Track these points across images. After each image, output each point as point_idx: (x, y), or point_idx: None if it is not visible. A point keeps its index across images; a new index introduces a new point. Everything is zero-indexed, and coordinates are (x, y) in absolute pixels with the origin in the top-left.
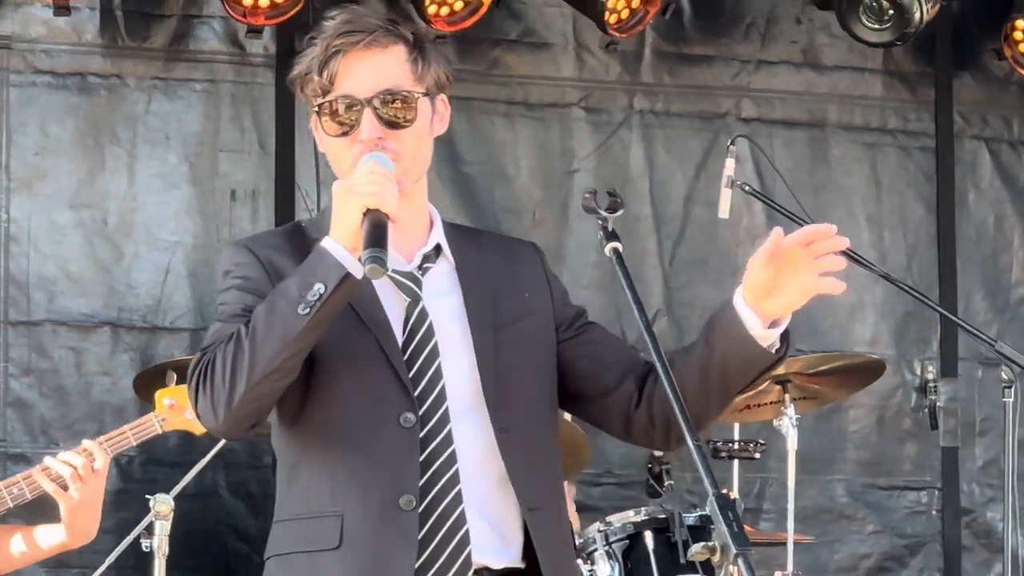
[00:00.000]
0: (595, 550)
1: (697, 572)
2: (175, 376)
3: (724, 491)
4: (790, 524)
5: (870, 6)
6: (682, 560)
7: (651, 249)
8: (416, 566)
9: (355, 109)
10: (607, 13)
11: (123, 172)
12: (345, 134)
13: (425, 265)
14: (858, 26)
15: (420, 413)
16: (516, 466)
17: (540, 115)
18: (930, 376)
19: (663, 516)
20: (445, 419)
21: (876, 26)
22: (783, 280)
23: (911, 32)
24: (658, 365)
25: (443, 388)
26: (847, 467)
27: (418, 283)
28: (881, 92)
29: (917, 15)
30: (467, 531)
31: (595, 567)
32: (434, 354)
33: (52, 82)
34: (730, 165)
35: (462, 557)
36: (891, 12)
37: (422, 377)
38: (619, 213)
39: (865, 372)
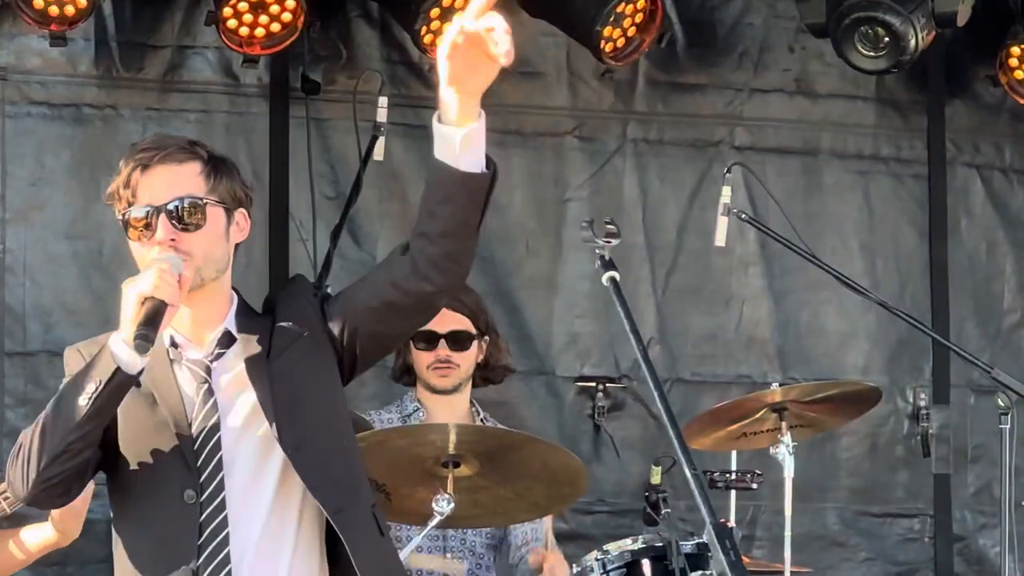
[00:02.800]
0: None
1: None
2: None
3: (722, 520)
4: (787, 553)
5: (866, 34)
6: None
7: (644, 277)
8: None
9: (151, 216)
10: (603, 42)
11: None
12: (145, 239)
13: (218, 351)
14: (853, 54)
15: (200, 486)
16: (313, 479)
17: (533, 144)
18: (922, 403)
19: (660, 544)
20: (220, 488)
21: (872, 54)
22: (473, 64)
23: (906, 60)
24: (656, 393)
25: (220, 459)
26: (840, 495)
27: (206, 368)
28: (874, 120)
29: (912, 43)
30: None
31: None
32: (215, 428)
33: (48, 113)
34: (726, 193)
35: None
36: (887, 40)
37: (203, 451)
38: (616, 242)
39: (861, 400)
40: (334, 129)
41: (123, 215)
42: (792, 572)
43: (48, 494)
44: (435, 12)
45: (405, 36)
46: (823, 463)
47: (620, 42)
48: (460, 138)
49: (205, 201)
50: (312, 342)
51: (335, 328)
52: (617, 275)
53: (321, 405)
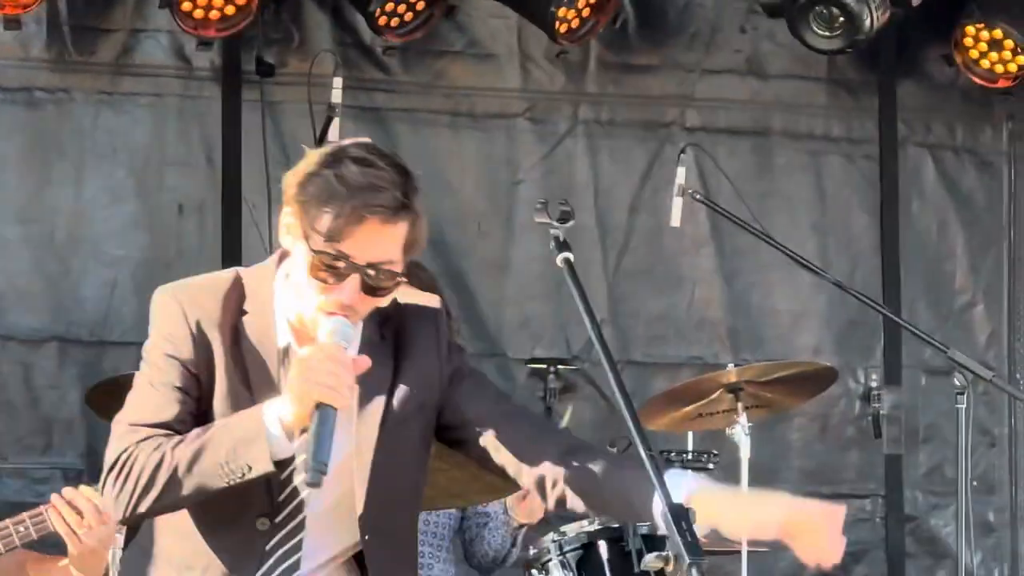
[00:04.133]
0: (549, 560)
1: None
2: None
3: (678, 501)
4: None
5: (820, 14)
6: (636, 570)
7: (596, 259)
8: None
9: (346, 269)
10: (558, 23)
11: (70, 186)
12: (324, 281)
13: None
14: (808, 33)
15: (275, 521)
16: (376, 570)
17: (485, 126)
18: (874, 384)
19: (617, 526)
20: (296, 531)
21: (827, 33)
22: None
23: (861, 39)
24: (610, 374)
25: (303, 500)
26: (791, 475)
27: None
28: (825, 100)
29: (868, 22)
30: None
31: None
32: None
33: (0, 97)
34: (681, 174)
35: None
36: (842, 19)
37: (288, 483)
38: (570, 224)
39: (816, 380)
40: (286, 112)
41: (316, 249)
42: (748, 551)
43: (149, 516)
44: None
45: (357, 19)
46: (775, 444)
47: (575, 23)
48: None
49: (399, 274)
50: (429, 417)
51: (447, 416)
52: (571, 256)
53: (413, 499)
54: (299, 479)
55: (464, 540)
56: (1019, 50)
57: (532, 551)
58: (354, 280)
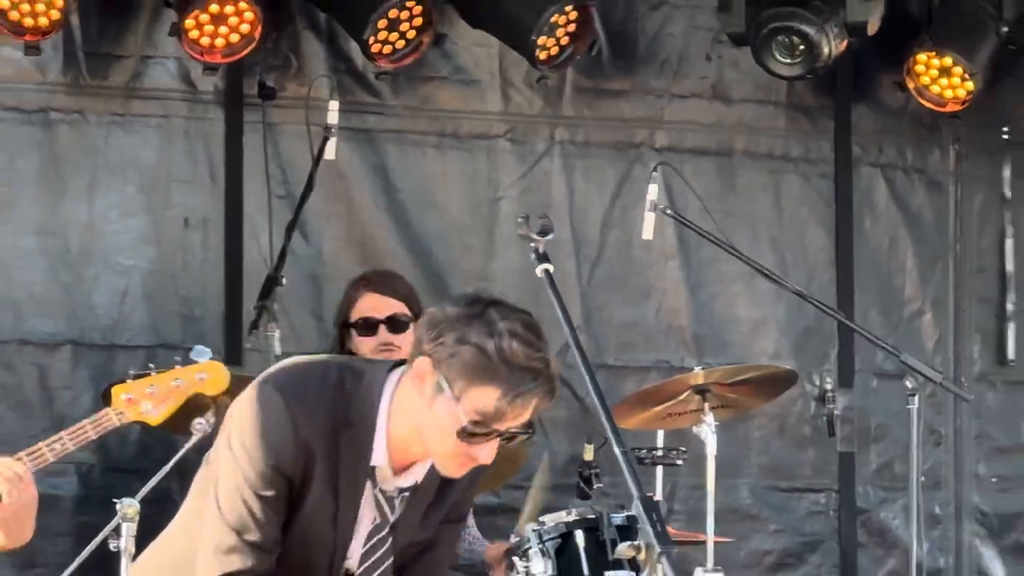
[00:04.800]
0: (530, 548)
1: (624, 569)
2: (132, 373)
3: (649, 494)
4: (710, 524)
5: (782, 42)
6: (610, 558)
7: (571, 270)
8: None
9: (494, 436)
10: (538, 50)
11: (84, 201)
12: (464, 440)
13: (403, 493)
14: (771, 61)
15: None
16: None
17: (468, 147)
18: (828, 387)
19: (593, 516)
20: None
21: (788, 61)
22: None
23: (820, 66)
24: (587, 376)
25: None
26: (752, 471)
27: (392, 506)
28: (784, 123)
29: (826, 51)
30: None
31: (530, 564)
32: (377, 565)
33: (19, 118)
34: (653, 190)
35: None
36: (802, 48)
37: None
38: (549, 236)
39: (778, 382)
40: (285, 133)
41: (472, 422)
42: (715, 542)
43: None
44: (383, 23)
45: (351, 46)
46: (737, 442)
47: (554, 51)
48: None
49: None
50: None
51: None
52: (551, 267)
53: None
54: None
55: None
56: (967, 77)
57: (514, 539)
58: (493, 444)
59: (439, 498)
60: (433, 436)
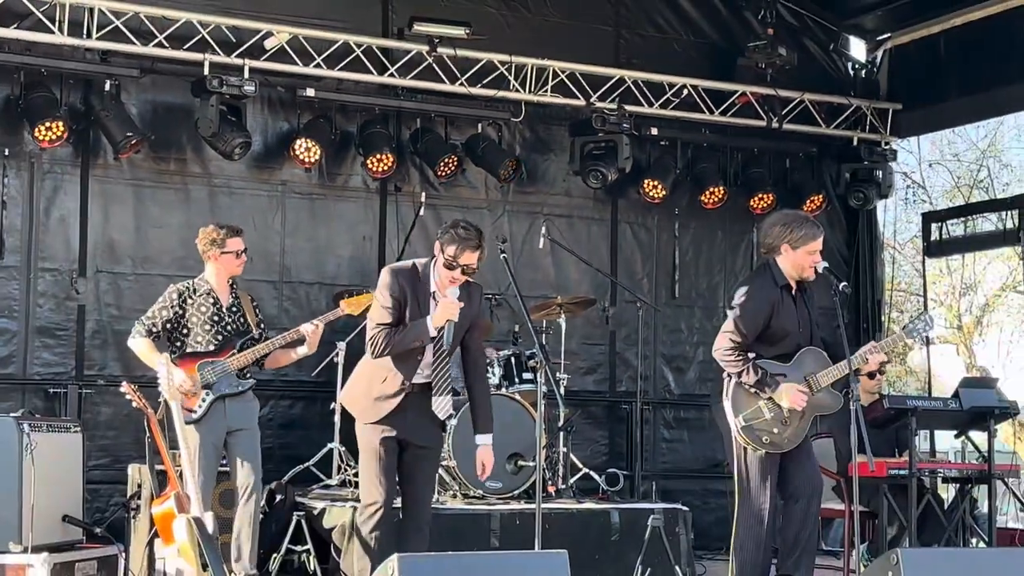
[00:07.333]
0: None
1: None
2: (352, 293)
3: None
4: None
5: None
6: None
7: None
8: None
9: (458, 270)
10: (502, 171)
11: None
12: (448, 270)
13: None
14: (588, 178)
15: (423, 355)
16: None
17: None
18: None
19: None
20: (442, 346)
21: (598, 185)
22: None
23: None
24: (530, 326)
25: (443, 337)
26: None
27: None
28: (591, 206)
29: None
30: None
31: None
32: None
33: None
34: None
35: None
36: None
37: (435, 341)
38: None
39: (582, 304)
40: (403, 208)
41: (446, 264)
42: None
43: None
44: (452, 160)
45: (425, 167)
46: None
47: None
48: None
49: (474, 271)
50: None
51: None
52: (508, 255)
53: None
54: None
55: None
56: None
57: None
58: (460, 272)
59: (468, 304)
60: (441, 272)
